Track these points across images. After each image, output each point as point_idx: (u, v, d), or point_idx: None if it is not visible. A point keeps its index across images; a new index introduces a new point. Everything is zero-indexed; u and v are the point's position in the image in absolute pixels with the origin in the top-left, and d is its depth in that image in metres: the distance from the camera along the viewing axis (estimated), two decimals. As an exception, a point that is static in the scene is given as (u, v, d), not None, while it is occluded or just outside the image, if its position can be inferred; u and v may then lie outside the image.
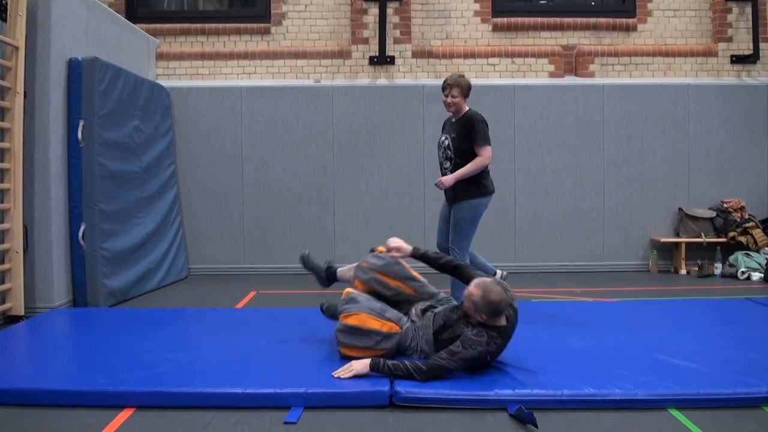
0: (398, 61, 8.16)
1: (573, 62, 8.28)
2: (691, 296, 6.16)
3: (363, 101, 7.97)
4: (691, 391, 3.26)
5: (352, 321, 3.71)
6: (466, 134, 4.80)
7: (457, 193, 4.88)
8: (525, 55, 8.21)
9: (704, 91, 8.00)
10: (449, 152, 4.88)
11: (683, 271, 7.69)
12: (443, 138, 4.97)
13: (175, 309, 5.68)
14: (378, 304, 3.83)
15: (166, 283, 7.08)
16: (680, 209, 7.90)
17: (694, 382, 3.37)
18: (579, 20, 8.29)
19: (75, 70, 5.83)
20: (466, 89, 4.87)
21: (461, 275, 3.93)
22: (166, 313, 5.40)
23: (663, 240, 7.83)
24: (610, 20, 8.30)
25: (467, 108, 4.93)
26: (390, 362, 3.46)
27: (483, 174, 4.86)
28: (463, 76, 4.90)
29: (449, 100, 4.85)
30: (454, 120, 4.97)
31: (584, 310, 5.26)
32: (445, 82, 4.88)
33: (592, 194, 7.95)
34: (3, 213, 5.32)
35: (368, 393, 3.29)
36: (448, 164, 4.90)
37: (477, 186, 4.86)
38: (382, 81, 8.14)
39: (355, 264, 4.20)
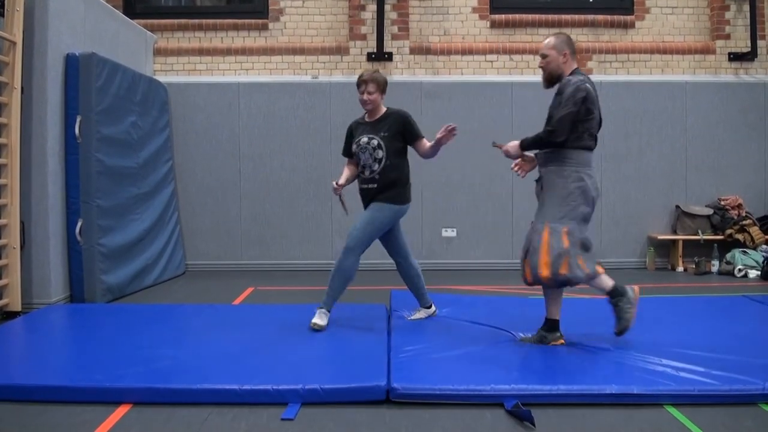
0: (396, 57, 8.16)
1: (571, 59, 8.27)
2: (688, 293, 6.17)
3: (361, 97, 7.95)
4: (687, 387, 3.27)
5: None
6: (402, 132, 4.56)
7: (387, 193, 4.54)
8: (523, 51, 8.20)
9: (702, 89, 8.01)
10: (380, 152, 4.52)
11: (680, 269, 7.71)
12: (366, 139, 4.55)
13: (173, 305, 5.68)
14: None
15: (164, 279, 7.08)
16: (677, 206, 7.91)
17: (690, 378, 3.38)
18: (577, 17, 8.28)
19: (72, 65, 5.82)
20: (383, 85, 4.59)
21: None
22: (164, 309, 5.40)
23: (660, 237, 7.85)
24: (608, 17, 8.29)
25: (385, 107, 4.66)
26: (530, 137, 4.02)
27: (408, 178, 4.65)
28: (378, 71, 4.63)
29: (365, 97, 4.53)
30: (370, 119, 4.64)
31: (581, 307, 5.25)
32: (360, 77, 4.57)
33: (590, 191, 7.94)
34: (0, 209, 5.31)
35: (365, 389, 3.29)
36: (377, 166, 4.52)
37: (405, 190, 4.63)
38: (380, 77, 8.12)
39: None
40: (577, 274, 3.93)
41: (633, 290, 4.04)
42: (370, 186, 4.58)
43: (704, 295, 6.01)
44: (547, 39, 4.11)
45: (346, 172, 4.78)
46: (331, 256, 7.94)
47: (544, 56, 4.08)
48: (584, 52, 8.20)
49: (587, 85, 3.91)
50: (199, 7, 8.70)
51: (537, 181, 4.24)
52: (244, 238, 7.93)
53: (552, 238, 3.92)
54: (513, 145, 4.20)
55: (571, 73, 4.03)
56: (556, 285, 4.05)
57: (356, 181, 4.71)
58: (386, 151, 4.52)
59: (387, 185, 4.53)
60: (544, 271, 3.92)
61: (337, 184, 4.66)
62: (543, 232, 3.97)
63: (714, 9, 8.22)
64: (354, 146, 4.64)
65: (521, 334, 4.30)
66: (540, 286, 4.18)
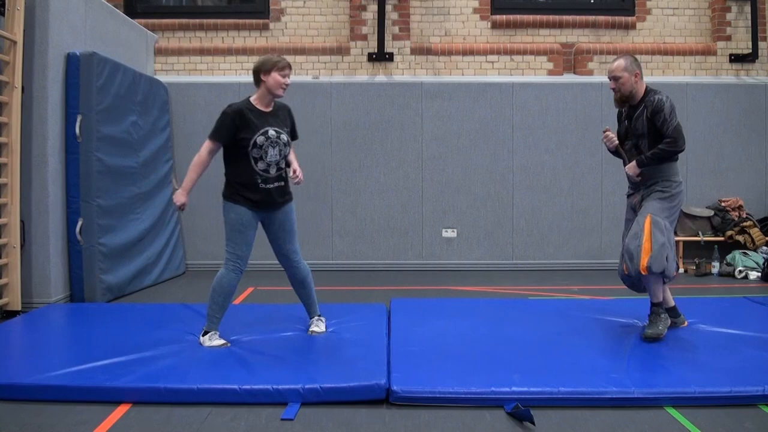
0: (397, 57, 8.15)
1: (572, 60, 8.28)
2: (689, 295, 6.16)
3: (361, 98, 7.96)
4: (687, 389, 3.27)
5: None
6: (293, 128, 4.38)
7: (290, 192, 4.30)
8: (524, 52, 8.20)
9: (703, 90, 8.01)
10: (287, 149, 4.20)
11: (681, 270, 7.70)
12: (274, 133, 4.13)
13: (173, 305, 5.66)
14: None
15: (164, 279, 7.08)
16: (678, 208, 7.90)
17: (690, 380, 3.37)
18: (578, 18, 8.29)
19: (73, 64, 5.82)
20: None
21: None
22: (164, 308, 5.39)
23: (660, 238, 7.83)
24: (609, 18, 8.29)
25: None
26: (648, 154, 4.14)
27: None
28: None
29: (289, 81, 4.25)
30: (267, 109, 4.24)
31: (582, 308, 5.25)
32: (285, 60, 4.22)
33: (590, 192, 7.95)
34: (0, 208, 5.31)
35: (365, 388, 3.29)
36: (283, 164, 4.20)
37: None
38: (381, 78, 8.13)
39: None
40: (673, 268, 4.15)
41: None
42: (277, 185, 4.15)
43: (704, 297, 6.00)
44: (615, 62, 4.28)
45: (194, 176, 4.31)
46: (331, 256, 7.95)
47: (616, 78, 4.25)
48: (585, 53, 8.20)
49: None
50: (199, 6, 8.70)
51: (629, 195, 4.47)
52: (245, 238, 7.91)
53: (655, 229, 4.08)
54: (631, 167, 4.29)
55: (647, 91, 4.29)
56: (650, 276, 4.14)
57: (256, 180, 4.11)
58: (289, 148, 4.24)
59: (287, 183, 4.26)
60: (644, 260, 4.05)
61: (183, 204, 4.28)
62: (645, 222, 4.12)
63: (715, 10, 8.22)
64: (261, 138, 4.07)
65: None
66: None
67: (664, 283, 4.24)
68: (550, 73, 8.18)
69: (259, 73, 4.17)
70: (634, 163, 4.27)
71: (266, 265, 7.92)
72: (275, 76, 4.14)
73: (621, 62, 4.24)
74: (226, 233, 4.15)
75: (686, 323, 4.58)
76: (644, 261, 4.06)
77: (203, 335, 4.16)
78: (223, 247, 4.20)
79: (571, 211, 7.94)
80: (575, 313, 5.04)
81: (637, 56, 8.17)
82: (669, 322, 4.27)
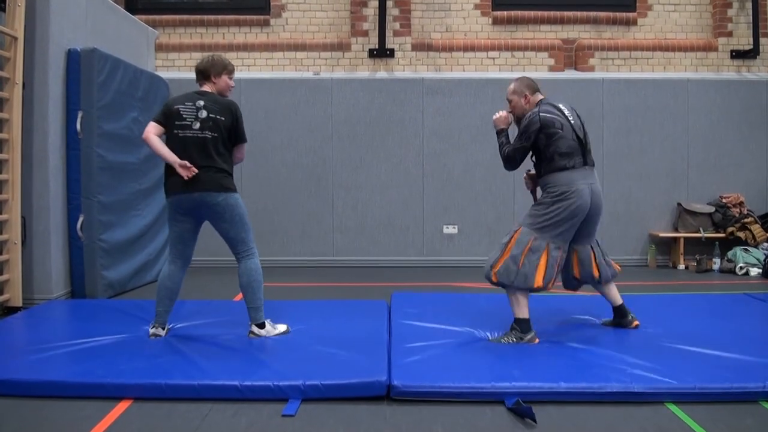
0: (398, 53, 8.15)
1: (573, 56, 8.27)
2: (689, 291, 6.17)
3: (362, 94, 7.95)
4: (688, 385, 3.27)
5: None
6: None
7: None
8: (525, 48, 8.20)
9: (704, 86, 8.00)
10: None
11: (681, 266, 7.70)
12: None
13: (174, 301, 5.67)
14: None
15: (165, 275, 7.08)
16: (679, 204, 7.91)
17: (691, 376, 3.37)
18: (579, 14, 8.28)
19: (74, 60, 5.82)
20: None
21: None
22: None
23: (662, 235, 7.84)
24: (611, 14, 8.29)
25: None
26: (505, 139, 4.30)
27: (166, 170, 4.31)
28: None
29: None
30: None
31: (582, 304, 5.25)
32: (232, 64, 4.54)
33: (591, 188, 7.94)
34: (1, 204, 5.31)
35: (366, 384, 3.29)
36: None
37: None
38: (382, 74, 8.12)
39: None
40: (517, 284, 4.05)
41: (535, 338, 4.09)
42: None
43: (705, 293, 6.01)
44: (509, 85, 4.29)
45: None
46: (332, 252, 7.96)
47: (509, 101, 4.30)
48: (586, 49, 8.19)
49: (541, 114, 4.05)
50: (200, 2, 8.68)
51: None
52: (245, 235, 7.92)
53: (517, 242, 4.07)
54: (503, 120, 4.35)
55: (535, 106, 4.19)
56: (498, 285, 4.15)
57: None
58: None
59: None
60: (496, 267, 4.06)
61: None
62: (514, 232, 4.13)
63: (716, 6, 8.21)
64: None
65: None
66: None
67: (531, 292, 4.12)
68: (552, 69, 8.17)
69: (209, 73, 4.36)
70: (504, 126, 4.35)
71: (266, 261, 7.94)
72: (230, 81, 4.49)
73: (511, 86, 4.26)
74: (244, 224, 4.42)
75: (636, 323, 4.38)
76: (495, 267, 4.05)
77: (261, 328, 4.20)
78: (223, 244, 4.32)
79: (572, 208, 7.93)
80: (575, 308, 5.05)
81: (638, 52, 8.23)
82: (517, 340, 4.04)
